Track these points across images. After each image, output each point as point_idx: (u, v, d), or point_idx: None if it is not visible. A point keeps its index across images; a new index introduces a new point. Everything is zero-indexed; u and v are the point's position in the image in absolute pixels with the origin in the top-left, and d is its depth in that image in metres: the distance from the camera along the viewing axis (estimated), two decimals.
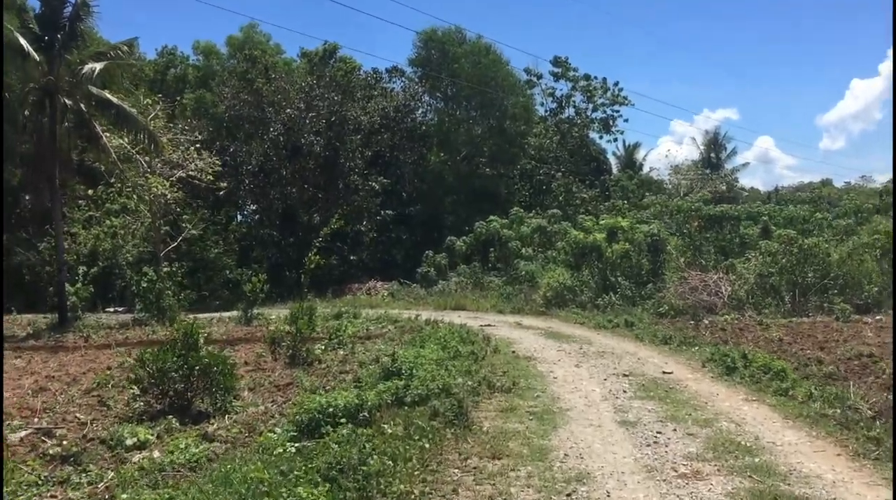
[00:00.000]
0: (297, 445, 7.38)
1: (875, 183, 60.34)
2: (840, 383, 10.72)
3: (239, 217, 50.12)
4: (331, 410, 7.86)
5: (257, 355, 15.78)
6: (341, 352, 16.06)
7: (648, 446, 7.77)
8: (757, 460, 7.21)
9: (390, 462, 6.49)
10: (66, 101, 27.93)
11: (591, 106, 55.44)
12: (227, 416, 9.47)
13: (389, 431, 7.53)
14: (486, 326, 21.96)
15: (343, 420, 7.82)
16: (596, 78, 54.27)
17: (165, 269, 31.93)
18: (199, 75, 52.47)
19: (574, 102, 55.34)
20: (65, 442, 8.17)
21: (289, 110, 42.08)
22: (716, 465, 7.07)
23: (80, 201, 40.14)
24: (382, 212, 44.51)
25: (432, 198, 47.13)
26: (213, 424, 9.09)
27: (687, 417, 9.10)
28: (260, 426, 8.75)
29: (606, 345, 16.52)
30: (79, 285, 32.43)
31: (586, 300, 25.96)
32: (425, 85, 48.95)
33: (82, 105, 28.94)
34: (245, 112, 42.94)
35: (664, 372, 12.26)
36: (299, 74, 47.06)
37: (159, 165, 32.05)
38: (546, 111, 56.27)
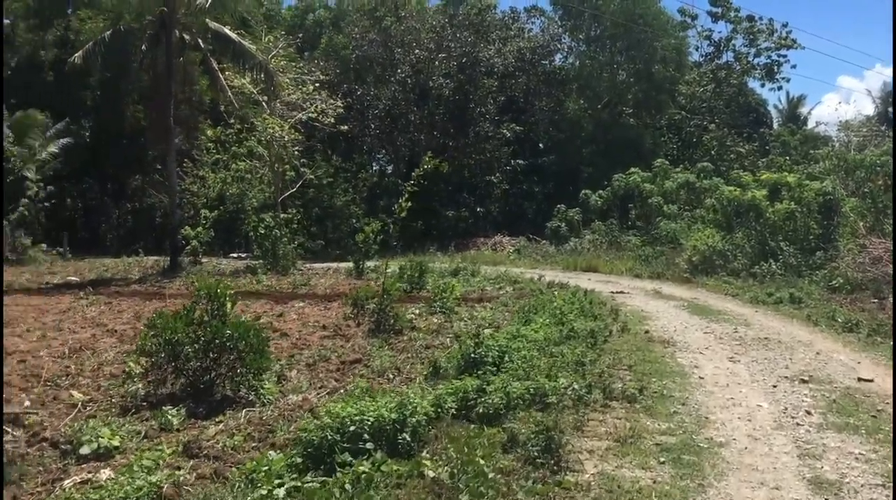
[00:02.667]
0: (292, 483, 4.83)
1: None
2: None
3: (375, 166, 48.43)
4: (353, 429, 5.23)
5: (344, 318, 13.43)
6: (437, 319, 13.48)
7: None
8: None
9: None
10: (183, 35, 26.61)
11: (753, 51, 49.52)
12: (246, 409, 7.07)
13: (432, 474, 4.81)
14: (617, 292, 18.84)
15: (370, 445, 5.18)
16: (761, 19, 48.25)
17: (283, 215, 30.60)
18: (331, 17, 50.88)
19: (734, 45, 49.55)
20: (9, 444, 6.01)
21: (418, 51, 39.59)
22: None
23: (209, 144, 39.61)
24: (513, 162, 41.47)
25: (568, 148, 43.49)
26: (219, 422, 6.72)
27: None
28: (279, 431, 6.31)
29: (769, 328, 13.00)
30: (199, 229, 31.70)
31: (740, 268, 22.13)
32: (566, 25, 45.08)
33: (199, 40, 27.60)
34: (373, 53, 40.80)
35: (860, 379, 8.76)
36: (431, 13, 44.36)
37: (279, 106, 30.43)
38: (701, 56, 50.80)
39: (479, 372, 7.47)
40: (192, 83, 35.61)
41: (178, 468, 5.44)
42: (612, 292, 18.70)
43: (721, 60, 49.88)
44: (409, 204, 13.82)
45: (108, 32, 25.88)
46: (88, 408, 7.33)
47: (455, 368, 8.07)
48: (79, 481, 5.20)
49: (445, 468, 4.87)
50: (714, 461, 5.77)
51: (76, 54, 25.47)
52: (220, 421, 6.76)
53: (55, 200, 37.65)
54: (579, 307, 13.40)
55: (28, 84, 42.90)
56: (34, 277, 25.98)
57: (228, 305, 7.78)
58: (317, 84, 31.07)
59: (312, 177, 34.29)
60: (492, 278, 21.73)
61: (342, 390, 7.76)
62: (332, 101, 32.02)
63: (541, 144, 45.19)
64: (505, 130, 40.13)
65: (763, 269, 21.23)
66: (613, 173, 33.41)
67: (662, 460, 5.72)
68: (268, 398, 7.44)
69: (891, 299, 16.49)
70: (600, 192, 33.24)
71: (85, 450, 5.74)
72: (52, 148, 38.20)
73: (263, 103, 29.73)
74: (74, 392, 7.72)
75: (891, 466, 5.69)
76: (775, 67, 49.64)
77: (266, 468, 5.02)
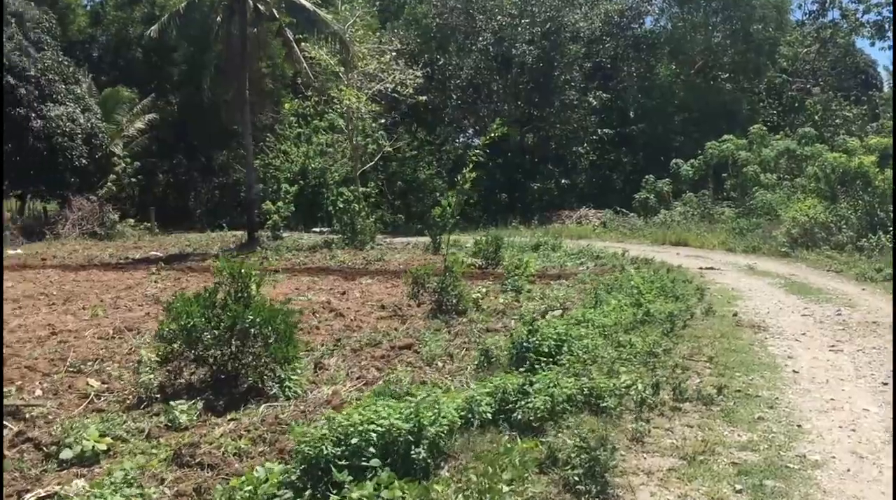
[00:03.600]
0: None
1: None
2: None
3: (462, 138, 47.34)
4: (356, 441, 4.36)
5: (408, 296, 12.61)
6: (503, 298, 12.51)
7: None
8: None
9: None
10: (258, 4, 26.24)
11: (861, 7, 45.81)
12: (266, 404, 6.33)
13: None
14: (707, 269, 17.44)
15: (376, 461, 4.31)
16: None
17: (362, 188, 30.11)
18: None
19: (840, 2, 45.97)
20: None
21: (500, 18, 38.24)
22: None
23: (291, 118, 39.56)
24: (600, 132, 39.72)
25: (659, 116, 41.34)
26: (232, 420, 5.99)
27: None
28: (299, 428, 5.53)
29: (878, 310, 11.46)
30: (280, 203, 31.61)
31: (845, 241, 20.21)
32: None
33: (274, 10, 27.21)
34: (454, 21, 39.63)
35: None
36: None
37: (356, 77, 29.82)
38: (804, 14, 47.38)
39: (531, 365, 6.50)
40: (270, 55, 35.42)
41: (162, 481, 4.71)
42: (701, 269, 17.29)
43: (826, 18, 46.34)
44: (474, 174, 12.81)
45: (184, 4, 25.72)
46: (102, 399, 6.76)
47: (508, 357, 7.12)
48: (43, 494, 4.52)
49: (461, 494, 3.95)
50: (807, 491, 4.57)
51: (152, 27, 25.44)
52: (234, 419, 6.03)
53: (141, 176, 38.34)
54: (660, 286, 12.16)
55: (116, 61, 43.88)
56: (117, 251, 26.33)
57: (253, 286, 7.03)
58: (394, 53, 30.22)
59: (391, 149, 33.53)
60: (573, 253, 20.60)
61: (381, 381, 6.92)
62: (411, 71, 31.21)
63: (630, 112, 43.18)
64: (591, 99, 38.47)
65: (871, 242, 19.28)
66: (707, 142, 31.42)
67: (739, 487, 4.56)
68: (294, 392, 6.68)
69: None
70: (692, 161, 31.34)
71: (66, 454, 5.08)
72: (139, 124, 38.86)
73: (341, 74, 29.14)
74: (91, 381, 7.16)
75: None
76: (886, 24, 45.79)
77: (250, 487, 4.21)
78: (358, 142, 30.83)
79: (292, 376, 6.89)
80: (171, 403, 6.19)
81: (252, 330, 6.67)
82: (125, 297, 13.88)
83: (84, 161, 33.34)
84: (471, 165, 12.36)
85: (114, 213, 35.01)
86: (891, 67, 50.81)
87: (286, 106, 33.30)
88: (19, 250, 27.14)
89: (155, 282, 16.45)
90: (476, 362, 7.37)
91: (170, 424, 5.93)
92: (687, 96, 41.53)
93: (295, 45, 27.21)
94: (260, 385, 6.72)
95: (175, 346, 6.80)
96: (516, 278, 13.96)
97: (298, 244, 26.43)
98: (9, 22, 33.02)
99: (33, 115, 31.43)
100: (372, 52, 30.00)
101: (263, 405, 6.29)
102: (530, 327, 6.93)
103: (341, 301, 12.82)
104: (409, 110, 39.02)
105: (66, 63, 35.10)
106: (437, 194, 39.28)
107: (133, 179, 37.99)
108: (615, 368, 6.55)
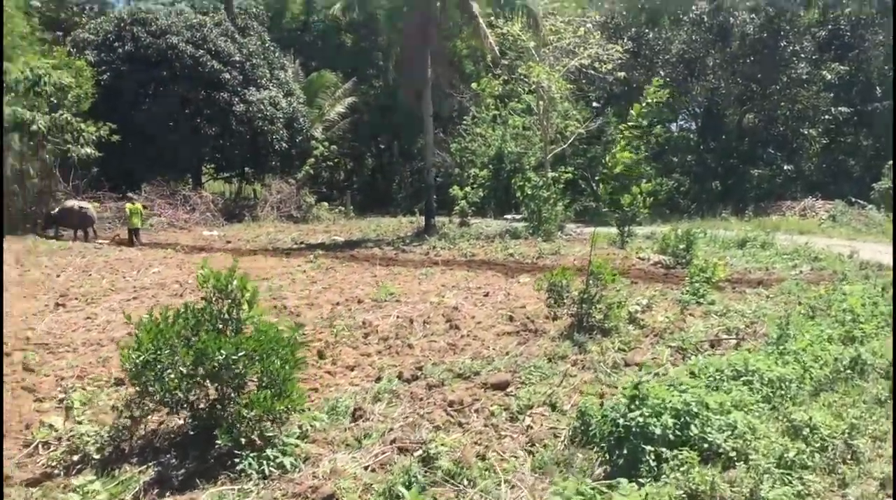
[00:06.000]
0: None
1: None
2: None
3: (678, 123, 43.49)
4: None
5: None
6: (662, 317, 9.89)
7: None
8: None
9: None
10: None
11: None
12: (228, 484, 4.51)
13: None
14: None
15: None
16: None
17: (551, 173, 27.88)
18: None
19: None
20: None
21: None
22: None
23: (488, 100, 38.07)
24: (834, 110, 34.39)
25: None
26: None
27: None
28: None
29: None
30: (467, 188, 30.26)
31: None
32: None
33: None
34: None
35: None
36: None
37: (547, 52, 27.57)
38: None
39: (631, 458, 4.16)
40: (460, 34, 34.02)
41: None
42: None
43: None
44: (627, 155, 10.30)
45: None
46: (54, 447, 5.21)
47: (600, 434, 4.78)
48: None
49: None
50: None
51: (335, 5, 24.77)
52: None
53: (338, 159, 38.70)
54: (888, 312, 8.96)
55: (326, 46, 44.62)
56: (302, 235, 26.21)
57: (245, 305, 5.20)
58: (589, 26, 27.57)
59: (583, 131, 30.93)
60: (787, 253, 17.19)
61: (424, 453, 4.83)
62: (610, 45, 28.44)
63: (876, 89, 37.17)
64: (826, 72, 33.34)
65: None
66: None
67: None
68: (281, 463, 4.72)
69: None
70: None
71: None
72: (340, 107, 39.17)
73: (532, 50, 27.03)
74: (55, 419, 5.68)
75: None
76: None
77: None
78: (548, 123, 28.57)
79: (286, 438, 4.97)
80: (78, 479, 4.48)
81: (226, 371, 4.85)
82: (261, 290, 12.80)
83: (285, 145, 33.98)
84: (622, 143, 9.87)
85: (310, 196, 35.47)
86: None
87: (473, 85, 31.71)
88: (215, 232, 27.91)
89: (303, 272, 15.44)
90: (569, 434, 5.10)
91: None
92: None
93: (480, 19, 25.41)
94: (248, 444, 4.89)
95: (138, 384, 5.09)
96: (697, 284, 11.30)
97: (482, 232, 24.83)
98: (217, 8, 34.28)
99: (236, 99, 32.35)
100: (568, 26, 27.60)
101: (215, 489, 4.44)
102: (633, 392, 4.54)
103: (475, 306, 10.88)
104: (610, 89, 36.09)
105: (272, 48, 35.95)
106: (644, 180, 36.09)
107: (331, 163, 38.51)
108: (769, 483, 3.99)
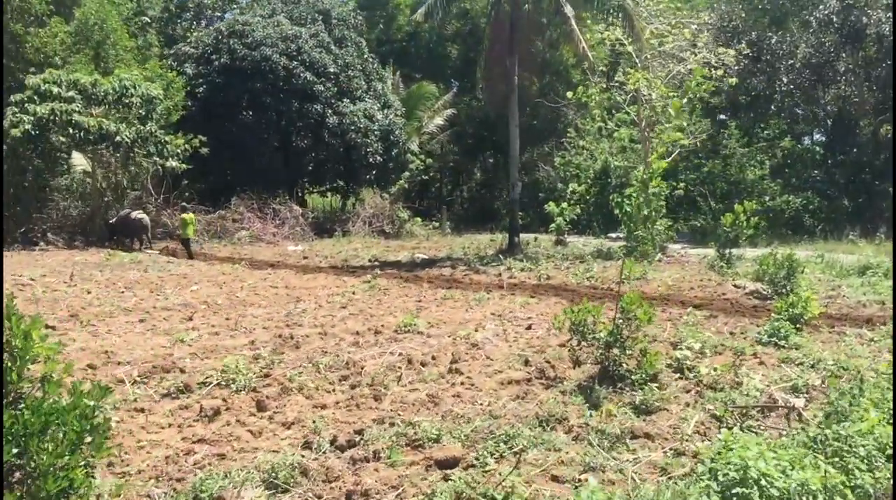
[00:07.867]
0: None
1: None
2: None
3: (814, 137, 39.76)
4: None
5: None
6: (734, 355, 7.92)
7: None
8: None
9: None
10: None
11: None
12: None
13: None
14: None
15: None
16: None
17: (652, 189, 25.62)
18: None
19: None
20: None
21: None
22: None
23: (595, 111, 36.13)
24: None
25: None
26: None
27: None
28: None
29: None
30: (564, 205, 28.42)
31: None
32: None
33: None
34: None
35: None
36: None
37: (649, 58, 25.37)
38: None
39: None
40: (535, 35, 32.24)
41: None
42: None
43: None
44: (664, 164, 8.45)
45: None
46: None
47: None
48: None
49: None
50: None
51: (419, 11, 23.66)
52: None
53: (434, 173, 37.63)
54: None
55: (429, 58, 43.89)
56: (383, 252, 25.17)
57: (18, 340, 3.71)
58: (694, 27, 25.16)
59: (687, 143, 28.44)
60: None
61: None
62: (722, 48, 25.90)
63: None
64: None
65: None
66: None
67: None
68: None
69: None
70: None
71: None
72: (439, 119, 38.15)
73: (633, 54, 24.93)
74: None
75: None
76: None
77: None
78: (650, 134, 26.33)
79: None
80: None
81: None
82: (296, 311, 11.61)
83: (379, 158, 33.18)
84: (658, 151, 7.98)
85: (403, 211, 34.47)
86: None
87: (569, 94, 30.03)
88: (299, 247, 27.29)
89: (351, 293, 14.19)
90: None
91: None
92: None
93: (574, 23, 23.62)
94: None
95: None
96: (778, 323, 9.27)
97: (576, 252, 23.10)
98: (315, 19, 34.00)
99: (329, 111, 31.85)
100: (673, 29, 25.32)
101: None
102: None
103: (504, 342, 9.23)
104: (726, 98, 33.21)
105: (370, 59, 35.36)
106: (767, 198, 32.93)
107: (427, 177, 37.48)
108: None
